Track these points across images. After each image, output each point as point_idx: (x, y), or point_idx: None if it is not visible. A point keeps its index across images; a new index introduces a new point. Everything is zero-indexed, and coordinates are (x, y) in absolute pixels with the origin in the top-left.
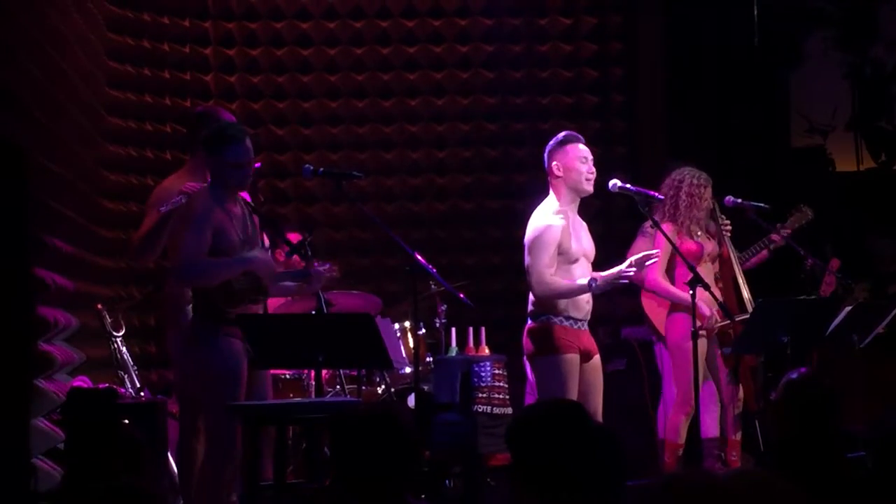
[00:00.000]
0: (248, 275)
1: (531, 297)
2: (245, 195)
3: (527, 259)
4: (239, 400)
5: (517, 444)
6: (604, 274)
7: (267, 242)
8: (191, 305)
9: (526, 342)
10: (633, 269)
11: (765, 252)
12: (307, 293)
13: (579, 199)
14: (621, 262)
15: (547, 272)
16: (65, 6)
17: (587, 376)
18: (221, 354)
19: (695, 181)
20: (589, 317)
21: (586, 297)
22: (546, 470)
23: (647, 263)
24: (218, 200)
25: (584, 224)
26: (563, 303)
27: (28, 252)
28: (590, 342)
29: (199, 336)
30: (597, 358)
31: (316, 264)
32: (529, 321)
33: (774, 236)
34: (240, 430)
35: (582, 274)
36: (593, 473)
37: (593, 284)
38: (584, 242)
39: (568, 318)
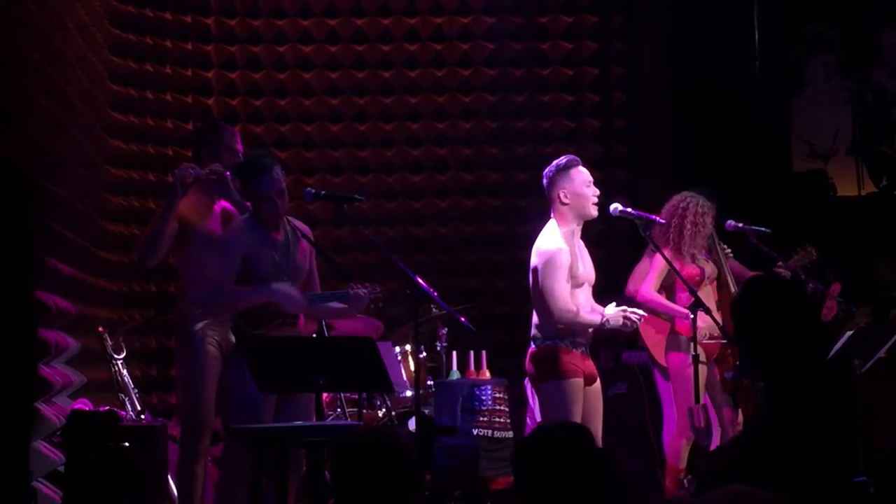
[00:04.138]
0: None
1: (534, 320)
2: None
3: (540, 284)
4: (262, 423)
5: (522, 467)
6: (610, 314)
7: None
8: (200, 327)
9: (529, 366)
10: (636, 317)
11: None
12: (351, 315)
13: (582, 223)
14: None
15: (568, 298)
16: (67, 29)
17: (589, 400)
18: (241, 377)
19: (699, 209)
20: (590, 341)
21: None
22: (550, 493)
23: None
24: (252, 228)
25: (585, 248)
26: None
27: (29, 274)
28: (592, 366)
29: (229, 358)
30: (598, 382)
31: (357, 286)
32: (532, 345)
33: (780, 273)
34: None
35: (586, 298)
36: (596, 498)
37: (607, 325)
38: (587, 266)
39: (573, 342)
